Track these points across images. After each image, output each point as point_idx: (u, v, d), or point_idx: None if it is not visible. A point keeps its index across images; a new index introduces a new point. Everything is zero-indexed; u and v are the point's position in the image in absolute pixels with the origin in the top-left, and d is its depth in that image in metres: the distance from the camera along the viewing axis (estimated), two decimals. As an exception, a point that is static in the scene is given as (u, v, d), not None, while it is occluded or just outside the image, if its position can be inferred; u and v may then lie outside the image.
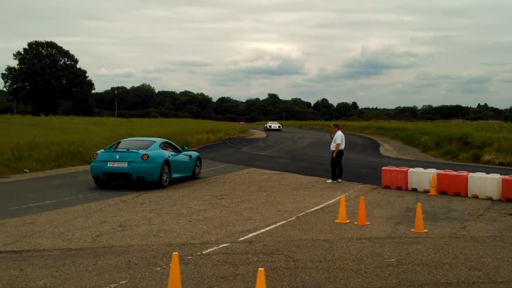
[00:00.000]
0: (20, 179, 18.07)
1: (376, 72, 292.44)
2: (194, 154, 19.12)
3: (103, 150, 16.79)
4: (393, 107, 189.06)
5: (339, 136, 17.70)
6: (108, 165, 15.85)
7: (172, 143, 18.83)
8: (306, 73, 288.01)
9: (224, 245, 8.86)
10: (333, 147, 17.62)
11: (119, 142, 17.48)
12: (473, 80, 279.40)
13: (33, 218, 11.13)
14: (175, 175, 17.26)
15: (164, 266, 7.49)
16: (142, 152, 16.01)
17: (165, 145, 17.76)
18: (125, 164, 15.79)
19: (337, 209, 11.92)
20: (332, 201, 13.76)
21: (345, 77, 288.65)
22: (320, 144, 40.02)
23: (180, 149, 18.48)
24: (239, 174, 19.99)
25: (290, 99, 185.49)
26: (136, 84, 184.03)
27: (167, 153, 16.96)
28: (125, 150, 16.18)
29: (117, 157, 15.94)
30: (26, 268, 7.42)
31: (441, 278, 7.11)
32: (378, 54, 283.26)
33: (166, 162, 16.50)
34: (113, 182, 16.67)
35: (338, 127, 18.30)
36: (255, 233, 9.79)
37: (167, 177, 16.60)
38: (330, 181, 17.58)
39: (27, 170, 20.14)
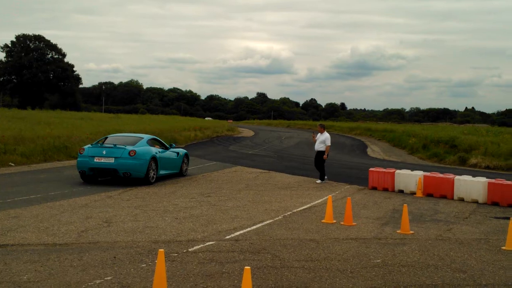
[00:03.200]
0: (5, 173, 17.91)
1: (365, 74, 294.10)
2: (181, 151, 19.06)
3: (90, 145, 16.66)
4: (381, 109, 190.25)
5: (328, 137, 17.57)
6: (95, 160, 15.75)
7: (160, 139, 18.75)
8: (295, 72, 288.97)
9: (210, 243, 8.83)
10: (321, 147, 17.43)
11: (106, 138, 17.36)
12: (462, 84, 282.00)
13: (17, 212, 11.03)
14: (162, 172, 17.22)
15: (150, 263, 7.45)
16: (129, 148, 15.95)
17: (152, 142, 17.72)
18: (111, 160, 15.70)
19: (323, 209, 11.94)
20: (319, 201, 13.78)
21: (334, 78, 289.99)
22: (308, 144, 40.07)
23: (168, 146, 18.43)
24: (227, 172, 19.97)
25: (278, 98, 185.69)
26: (124, 80, 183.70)
27: (155, 150, 16.90)
28: (112, 145, 16.07)
29: (104, 152, 15.82)
30: (10, 263, 7.34)
31: (426, 280, 7.14)
32: (368, 55, 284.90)
33: (154, 158, 16.42)
34: (99, 177, 16.51)
35: (325, 128, 18.19)
36: (241, 232, 9.77)
37: (154, 174, 16.54)
38: (319, 181, 17.52)
39: (12, 164, 19.97)
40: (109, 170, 15.81)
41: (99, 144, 16.44)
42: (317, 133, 17.94)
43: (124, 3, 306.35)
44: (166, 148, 18.06)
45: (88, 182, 16.10)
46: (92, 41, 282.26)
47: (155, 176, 16.64)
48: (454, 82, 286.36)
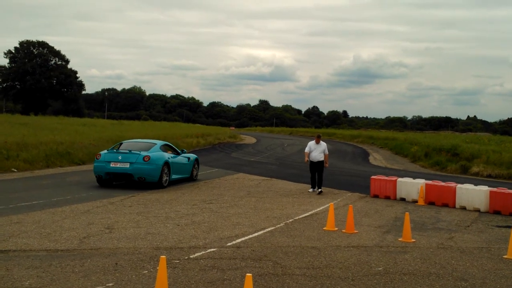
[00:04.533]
0: (7, 179, 17.94)
1: (368, 81, 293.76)
2: (192, 156, 19.63)
3: (106, 151, 17.30)
4: (383, 117, 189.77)
5: (326, 146, 17.59)
6: (111, 165, 16.42)
7: (172, 145, 19.44)
8: (297, 80, 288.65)
9: (212, 249, 8.84)
10: (321, 157, 17.11)
11: (121, 144, 17.97)
12: (464, 92, 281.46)
13: (20, 218, 11.05)
14: (174, 176, 17.79)
15: (151, 270, 7.46)
16: (144, 153, 16.58)
17: (165, 147, 18.33)
18: (127, 165, 16.37)
19: (325, 217, 11.94)
20: (321, 208, 13.78)
21: (337, 86, 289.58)
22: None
23: (179, 151, 19.09)
24: (229, 179, 19.97)
25: (281, 105, 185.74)
26: (127, 86, 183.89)
27: (167, 155, 17.52)
28: (128, 151, 16.72)
29: (120, 158, 16.48)
30: (12, 268, 7.36)
31: (427, 288, 7.14)
32: (370, 63, 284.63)
33: (166, 163, 17.05)
34: (114, 181, 17.15)
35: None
36: (243, 239, 9.78)
37: (167, 178, 17.14)
38: (312, 190, 17.19)
39: (15, 170, 20.01)
40: (124, 174, 16.51)
41: (115, 150, 17.11)
42: (310, 147, 17.33)
43: (125, 10, 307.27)
44: (178, 154, 18.68)
45: (103, 186, 16.67)
46: (95, 47, 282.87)
47: (168, 180, 17.25)
48: (456, 90, 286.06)
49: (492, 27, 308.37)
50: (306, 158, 17.44)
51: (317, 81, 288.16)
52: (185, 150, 20.31)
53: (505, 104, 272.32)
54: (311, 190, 17.24)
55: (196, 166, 19.67)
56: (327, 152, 17.45)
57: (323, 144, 17.41)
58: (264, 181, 19.87)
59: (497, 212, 13.94)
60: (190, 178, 19.23)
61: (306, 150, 17.47)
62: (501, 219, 13.20)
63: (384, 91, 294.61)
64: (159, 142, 18.28)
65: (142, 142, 18.64)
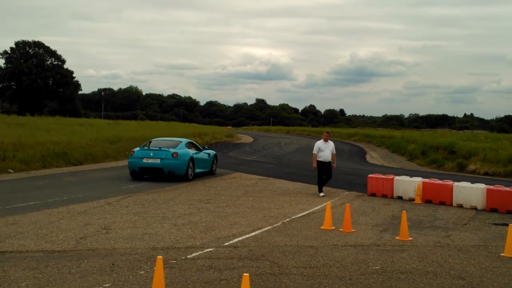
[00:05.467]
0: (4, 179, 17.88)
1: (364, 80, 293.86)
2: (212, 152, 21.77)
3: (138, 148, 19.36)
4: (380, 115, 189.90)
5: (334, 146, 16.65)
6: (144, 161, 18.56)
7: (195, 142, 21.57)
8: (294, 79, 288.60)
9: (209, 249, 8.83)
10: (330, 157, 16.29)
11: (151, 141, 20.24)
12: (461, 90, 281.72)
13: (16, 219, 11.02)
14: (197, 170, 19.86)
15: (148, 270, 7.45)
16: (172, 150, 18.72)
17: (189, 145, 20.37)
18: (158, 161, 18.52)
19: (322, 216, 11.94)
20: (318, 207, 13.78)
21: (333, 84, 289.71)
22: (307, 150, 40.07)
23: (201, 148, 21.15)
24: (226, 179, 19.96)
25: (278, 104, 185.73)
26: (124, 86, 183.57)
27: (192, 151, 19.65)
28: (158, 148, 18.85)
29: (151, 154, 18.61)
30: (9, 270, 7.34)
31: (425, 287, 7.15)
32: (367, 61, 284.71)
33: (191, 159, 19.21)
34: (145, 175, 19.13)
35: None
36: (240, 238, 9.77)
37: (191, 172, 19.22)
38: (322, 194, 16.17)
39: (11, 170, 19.96)
40: (155, 169, 18.63)
41: (146, 147, 19.19)
42: (319, 147, 16.26)
43: (122, 9, 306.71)
44: (200, 150, 20.68)
45: (136, 179, 18.64)
46: (91, 47, 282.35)
47: (192, 174, 19.31)
48: (453, 88, 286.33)
49: (488, 24, 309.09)
50: (315, 163, 16.22)
51: (314, 80, 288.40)
52: (206, 147, 22.54)
53: (501, 102, 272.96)
54: (322, 194, 16.04)
55: (215, 161, 21.70)
56: (334, 151, 16.47)
57: (331, 143, 16.41)
58: (261, 180, 19.86)
59: (494, 210, 13.96)
60: (210, 172, 21.18)
61: (315, 151, 16.29)
62: (498, 217, 13.22)
63: (381, 89, 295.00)
64: (184, 140, 20.63)
65: (169, 140, 20.79)
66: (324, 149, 16.20)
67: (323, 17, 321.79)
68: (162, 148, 18.82)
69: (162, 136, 37.97)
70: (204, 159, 20.66)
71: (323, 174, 16.25)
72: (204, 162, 20.57)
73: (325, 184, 16.54)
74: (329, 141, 16.43)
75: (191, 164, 19.10)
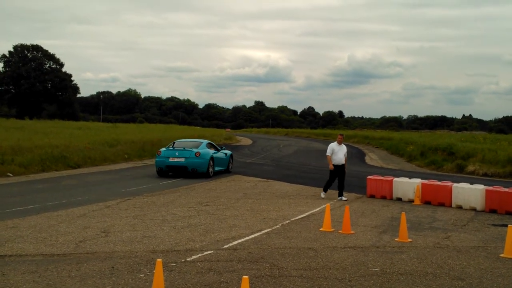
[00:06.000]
0: (3, 183, 17.88)
1: (363, 82, 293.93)
2: (228, 152, 23.84)
3: (164, 148, 21.56)
4: (378, 117, 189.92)
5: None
6: (170, 160, 20.66)
7: (213, 143, 23.54)
8: (293, 81, 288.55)
9: (209, 252, 8.83)
10: (343, 160, 16.03)
11: (174, 142, 22.40)
12: (459, 91, 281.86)
13: (15, 222, 11.01)
14: (216, 168, 21.88)
15: (148, 273, 7.44)
16: (195, 150, 20.90)
17: (209, 145, 22.37)
18: (182, 160, 20.62)
19: (322, 218, 11.94)
20: (317, 209, 13.78)
21: (332, 86, 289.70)
22: (306, 152, 40.10)
23: (219, 148, 23.19)
24: (225, 181, 19.96)
25: (276, 106, 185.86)
26: (122, 89, 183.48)
27: (211, 151, 21.75)
28: (182, 148, 21.04)
29: (177, 154, 20.75)
30: (8, 273, 7.33)
31: (424, 288, 7.14)
32: (365, 63, 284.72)
33: (212, 158, 21.29)
34: (170, 173, 21.09)
35: None
36: (239, 241, 9.77)
37: (212, 169, 21.27)
38: (345, 198, 15.85)
39: (10, 174, 19.95)
40: (180, 167, 20.71)
41: (171, 148, 21.39)
42: (333, 149, 16.00)
43: (119, 12, 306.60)
44: (218, 150, 22.72)
45: (161, 176, 20.75)
46: (90, 50, 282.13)
47: (212, 171, 21.32)
48: (451, 89, 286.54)
49: (485, 25, 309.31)
50: (331, 165, 15.89)
51: (312, 82, 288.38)
52: (224, 147, 24.67)
53: (500, 103, 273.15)
54: (323, 195, 16.10)
55: (231, 160, 23.68)
56: (346, 155, 16.29)
57: (344, 146, 16.21)
58: (260, 182, 19.86)
59: (493, 210, 13.97)
60: (226, 170, 23.09)
61: (329, 153, 16.00)
62: (497, 218, 13.23)
63: (379, 91, 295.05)
64: (205, 141, 22.85)
65: (191, 141, 23.44)
66: (338, 152, 15.95)
67: (320, 19, 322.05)
68: (186, 148, 20.99)
69: (161, 139, 38.01)
70: (222, 158, 22.68)
71: (336, 177, 15.95)
72: (222, 161, 22.61)
73: (343, 188, 16.09)
74: (342, 143, 16.18)
75: (211, 162, 21.13)
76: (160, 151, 21.17)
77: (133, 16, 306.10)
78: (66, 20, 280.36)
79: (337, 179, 16.07)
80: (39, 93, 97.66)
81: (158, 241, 9.60)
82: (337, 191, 16.04)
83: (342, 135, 16.50)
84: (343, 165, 15.96)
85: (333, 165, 15.88)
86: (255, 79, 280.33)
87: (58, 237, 9.71)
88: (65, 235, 9.94)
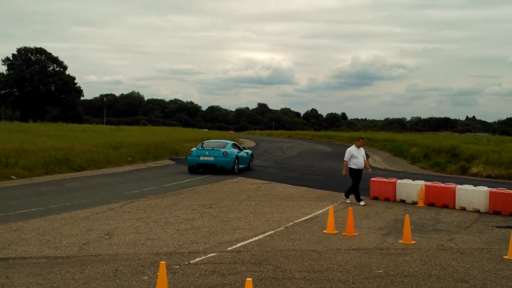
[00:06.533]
0: (6, 186, 17.92)
1: (366, 83, 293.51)
2: (249, 152, 26.49)
3: (195, 148, 24.26)
4: (382, 118, 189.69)
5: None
6: (200, 158, 23.25)
7: (237, 144, 26.65)
8: (296, 83, 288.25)
9: (212, 254, 8.83)
10: (363, 164, 15.63)
11: (203, 143, 24.97)
12: (462, 92, 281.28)
13: (19, 225, 11.03)
14: (240, 166, 24.29)
15: (152, 275, 7.45)
16: (223, 150, 23.44)
17: (234, 145, 24.85)
18: (212, 158, 23.16)
19: (325, 220, 11.93)
20: (321, 211, 13.77)
21: (335, 88, 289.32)
22: (309, 154, 40.07)
23: (242, 148, 25.94)
24: (228, 183, 19.96)
25: (279, 109, 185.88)
26: (126, 92, 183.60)
27: (236, 151, 24.30)
28: (211, 148, 23.60)
29: (207, 153, 23.35)
30: (12, 276, 7.35)
31: (428, 290, 7.13)
32: (368, 65, 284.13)
33: (237, 156, 23.86)
34: (199, 170, 23.45)
35: None
36: (243, 243, 9.77)
37: (237, 167, 23.70)
38: (363, 202, 15.41)
39: (14, 177, 19.99)
40: (210, 165, 23.17)
41: (201, 148, 23.98)
42: (352, 153, 15.47)
43: (122, 15, 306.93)
44: (241, 150, 25.26)
45: (192, 173, 23.15)
46: (93, 53, 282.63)
47: (237, 168, 23.74)
48: (454, 91, 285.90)
49: (489, 26, 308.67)
50: (344, 171, 15.57)
51: (315, 84, 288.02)
52: (246, 147, 27.82)
53: (503, 104, 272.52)
54: (362, 203, 15.28)
55: (251, 159, 26.32)
56: (366, 157, 15.93)
57: (362, 149, 15.78)
58: (263, 184, 19.86)
59: (497, 212, 13.94)
60: (248, 168, 25.55)
61: (347, 158, 15.51)
62: (501, 220, 13.20)
63: (382, 92, 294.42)
64: (230, 142, 25.38)
65: (218, 141, 26.16)
66: (358, 156, 15.50)
67: (323, 21, 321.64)
68: (214, 148, 23.55)
69: (165, 141, 38.10)
70: (245, 157, 25.20)
71: (359, 181, 15.50)
72: (244, 159, 25.15)
73: (349, 192, 15.72)
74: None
75: (236, 161, 23.65)
76: (192, 151, 23.79)
77: (136, 18, 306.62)
78: (70, 22, 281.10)
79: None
80: (43, 95, 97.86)
81: (162, 243, 9.61)
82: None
83: (363, 139, 16.07)
84: (361, 169, 15.50)
85: (354, 169, 15.40)
86: (258, 81, 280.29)
87: (62, 240, 9.73)
88: (68, 237, 9.95)
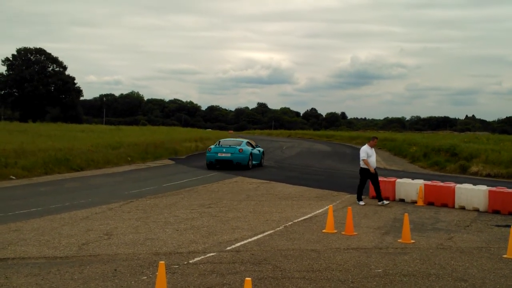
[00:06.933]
0: (6, 186, 17.91)
1: (366, 83, 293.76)
2: (261, 149, 28.61)
3: (213, 146, 26.34)
4: (381, 118, 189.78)
5: None
6: (218, 155, 25.41)
7: (251, 142, 29.05)
8: (295, 82, 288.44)
9: (211, 254, 8.83)
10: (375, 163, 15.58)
11: (220, 141, 27.13)
12: (462, 92, 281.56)
13: (18, 225, 11.03)
14: (253, 162, 26.28)
15: (151, 275, 7.45)
16: (238, 147, 25.69)
17: (248, 144, 26.95)
18: (229, 155, 25.35)
19: (324, 219, 11.93)
20: (320, 211, 13.78)
21: (335, 87, 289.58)
22: (308, 153, 40.05)
23: (255, 146, 28.28)
24: (227, 183, 19.96)
25: (279, 108, 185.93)
26: (125, 92, 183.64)
27: (250, 148, 26.46)
28: (228, 146, 25.79)
29: (224, 150, 25.50)
30: (11, 276, 7.34)
31: (427, 289, 7.13)
32: (368, 64, 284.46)
33: (251, 153, 25.93)
34: (217, 166, 25.51)
35: None
36: (242, 243, 9.77)
37: (251, 163, 25.81)
38: (386, 202, 15.33)
39: (13, 177, 19.98)
40: (227, 161, 25.31)
41: (219, 145, 26.04)
42: (367, 152, 15.42)
43: (122, 15, 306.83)
44: (254, 147, 27.31)
45: (210, 169, 25.15)
46: (92, 53, 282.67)
47: (251, 164, 25.83)
48: (454, 90, 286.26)
49: (489, 26, 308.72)
50: (372, 168, 15.22)
51: (315, 83, 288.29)
52: (259, 145, 30.14)
53: (503, 103, 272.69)
54: (386, 201, 15.25)
55: (263, 156, 28.56)
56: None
57: (373, 148, 15.71)
58: (263, 184, 19.86)
59: (496, 211, 13.94)
60: (260, 164, 27.48)
61: (364, 156, 15.32)
62: (501, 219, 13.20)
63: (382, 92, 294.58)
64: (244, 140, 27.80)
65: (233, 140, 28.25)
66: (372, 155, 15.41)
67: (323, 21, 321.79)
68: (231, 146, 25.73)
69: (164, 141, 38.10)
70: (257, 154, 27.22)
71: (367, 180, 15.49)
72: (257, 156, 27.16)
73: (380, 191, 15.34)
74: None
75: (251, 157, 25.73)
76: (211, 148, 25.95)
77: (136, 18, 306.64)
78: (69, 23, 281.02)
79: (370, 184, 15.79)
80: (43, 96, 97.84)
81: (161, 243, 9.61)
82: (339, 192, 15.91)
83: (377, 138, 15.83)
84: (375, 168, 15.39)
85: (366, 168, 15.26)
86: (258, 81, 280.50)
87: (61, 240, 9.73)
88: (68, 237, 9.95)
